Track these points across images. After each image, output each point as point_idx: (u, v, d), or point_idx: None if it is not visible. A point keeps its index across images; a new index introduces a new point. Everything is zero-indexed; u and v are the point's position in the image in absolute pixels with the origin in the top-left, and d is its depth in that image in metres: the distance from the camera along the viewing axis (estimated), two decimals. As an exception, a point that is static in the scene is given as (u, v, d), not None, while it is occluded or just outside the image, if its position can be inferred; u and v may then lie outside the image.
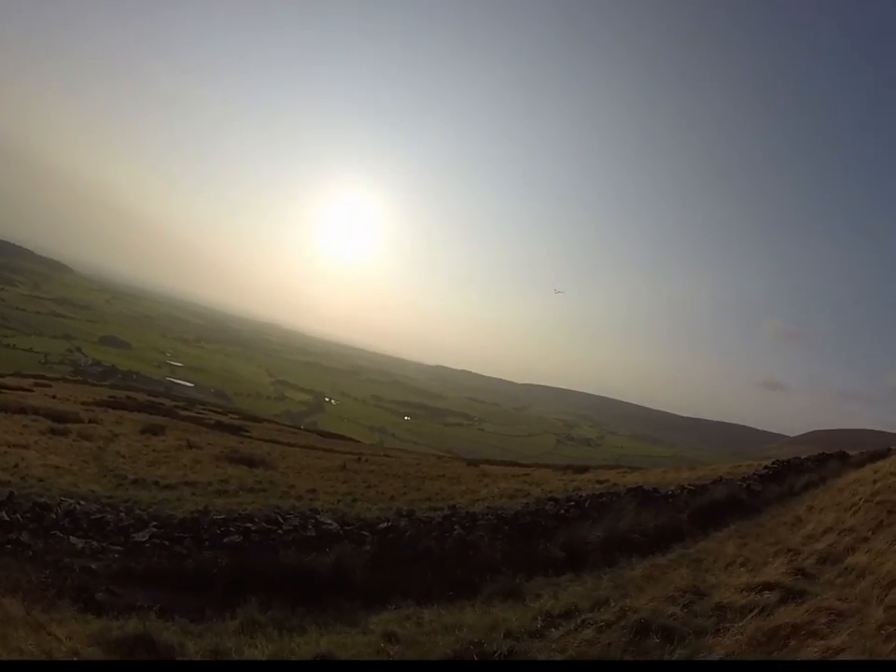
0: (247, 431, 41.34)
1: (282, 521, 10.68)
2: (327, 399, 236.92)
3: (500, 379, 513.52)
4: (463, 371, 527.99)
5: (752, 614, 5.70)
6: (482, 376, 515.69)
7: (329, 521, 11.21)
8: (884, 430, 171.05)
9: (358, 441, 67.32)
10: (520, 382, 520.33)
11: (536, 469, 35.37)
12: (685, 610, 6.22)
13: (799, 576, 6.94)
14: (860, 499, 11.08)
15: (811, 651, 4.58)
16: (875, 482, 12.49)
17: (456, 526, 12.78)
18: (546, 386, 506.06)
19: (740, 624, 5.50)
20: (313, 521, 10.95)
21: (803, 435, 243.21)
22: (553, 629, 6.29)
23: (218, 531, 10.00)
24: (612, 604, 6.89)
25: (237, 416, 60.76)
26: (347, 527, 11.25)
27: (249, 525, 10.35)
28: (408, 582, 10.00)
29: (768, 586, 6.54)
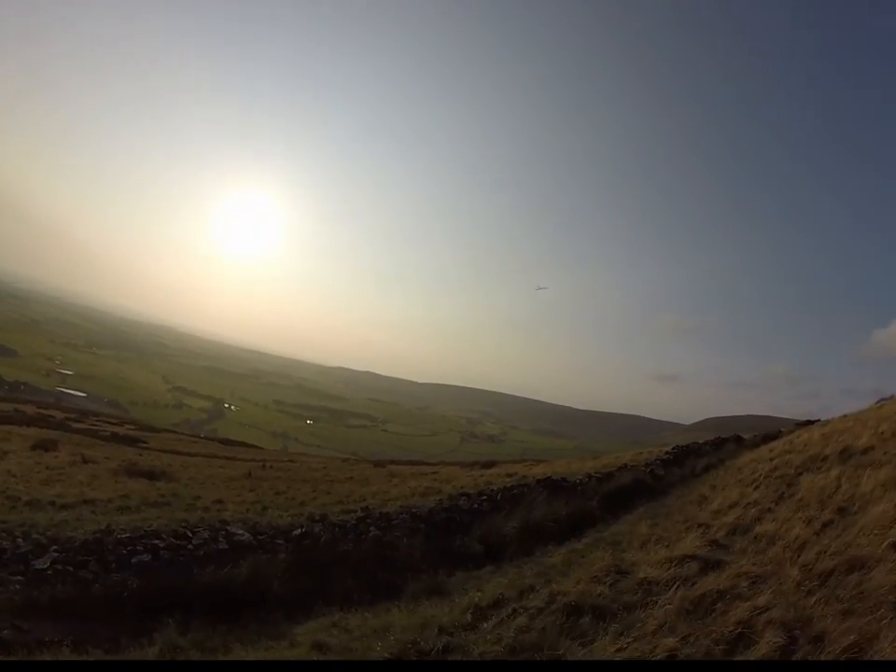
0: (145, 442, 39.02)
1: (191, 535, 9.88)
2: (226, 406, 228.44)
3: (402, 379, 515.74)
4: (365, 371, 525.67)
5: (676, 585, 5.90)
6: (384, 377, 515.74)
7: (240, 531, 10.52)
8: (772, 415, 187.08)
9: (261, 448, 65.16)
10: (422, 381, 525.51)
11: (443, 467, 35.63)
12: (612, 589, 6.35)
13: (714, 547, 7.32)
14: (759, 475, 11.98)
15: (740, 613, 4.76)
16: (771, 459, 13.57)
17: (372, 528, 12.48)
18: (448, 385, 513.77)
19: (667, 596, 5.66)
20: (223, 533, 10.22)
21: (697, 423, 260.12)
22: (484, 621, 6.21)
23: (125, 551, 9.08)
24: (539, 590, 6.92)
25: (134, 427, 57.08)
26: (260, 537, 10.60)
27: (157, 542, 9.46)
28: (328, 589, 9.62)
29: (686, 559, 6.81)
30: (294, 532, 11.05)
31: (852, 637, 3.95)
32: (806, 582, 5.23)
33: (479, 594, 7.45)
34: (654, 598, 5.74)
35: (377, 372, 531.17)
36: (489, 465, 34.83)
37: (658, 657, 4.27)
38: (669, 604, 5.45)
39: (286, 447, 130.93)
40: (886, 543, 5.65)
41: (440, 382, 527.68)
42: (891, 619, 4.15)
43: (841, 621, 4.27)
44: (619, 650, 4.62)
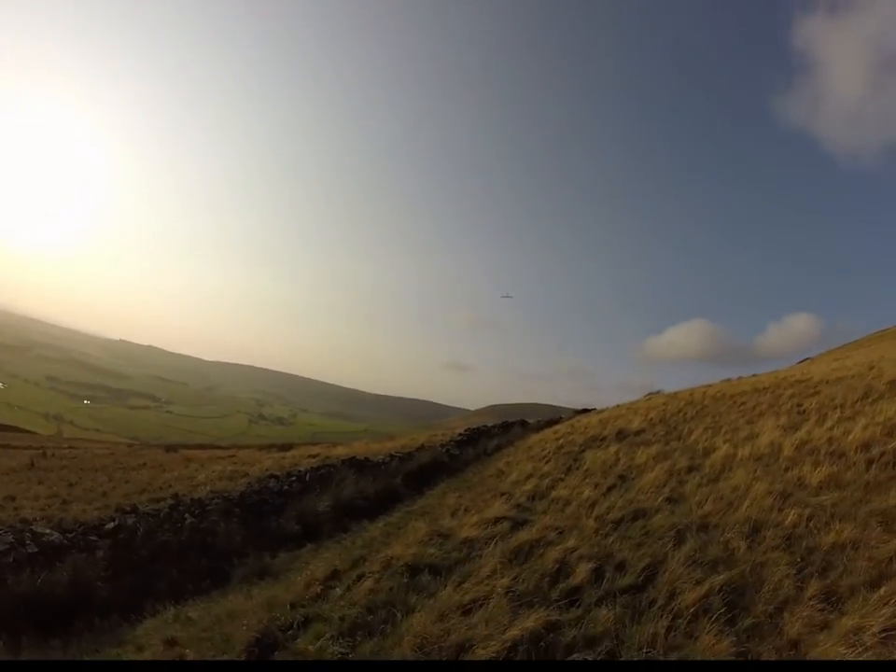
0: None
1: None
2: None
3: (188, 356, 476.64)
4: (149, 346, 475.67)
5: (495, 541, 6.91)
6: (169, 352, 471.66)
7: (47, 531, 9.44)
8: (552, 404, 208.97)
9: (34, 433, 56.13)
10: (209, 359, 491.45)
11: (239, 451, 34.33)
12: (440, 549, 7.16)
13: (519, 510, 8.53)
14: (549, 452, 13.93)
15: (555, 554, 5.94)
16: (557, 439, 15.80)
17: (187, 515, 12.09)
18: (236, 364, 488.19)
19: (489, 550, 6.63)
20: (29, 534, 9.11)
21: (482, 409, 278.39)
22: (331, 590, 6.67)
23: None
24: (371, 559, 7.54)
25: None
26: (70, 535, 9.69)
27: (-47, 553, 8.26)
28: (155, 583, 9.34)
29: (498, 520, 7.90)
30: (107, 526, 10.33)
31: (647, 560, 5.36)
32: (603, 529, 6.67)
33: (313, 569, 7.79)
34: (479, 553, 6.68)
35: (162, 348, 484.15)
36: (286, 447, 34.33)
37: (497, 595, 5.16)
38: (493, 556, 6.38)
39: (61, 431, 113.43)
40: (661, 498, 7.42)
41: (228, 360, 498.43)
42: (674, 547, 5.65)
43: (636, 551, 5.70)
44: (462, 594, 5.37)
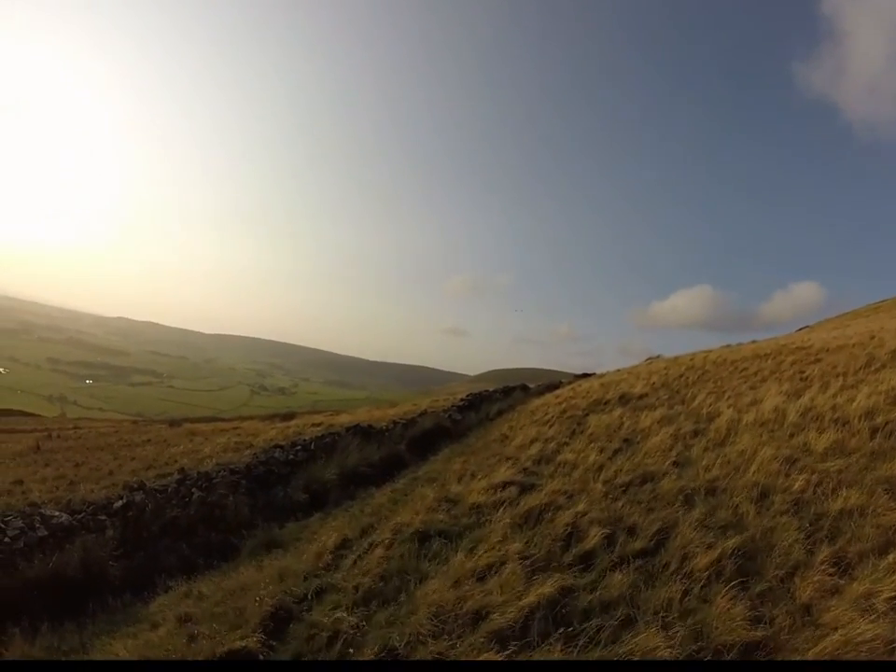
0: None
1: (3, 526, 8.71)
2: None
3: (187, 330, 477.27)
4: (147, 322, 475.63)
5: (504, 506, 6.94)
6: (167, 327, 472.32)
7: (56, 513, 9.45)
8: (552, 369, 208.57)
9: (39, 416, 56.43)
10: (208, 332, 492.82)
11: (242, 422, 34.57)
12: (449, 515, 7.21)
13: (526, 474, 8.56)
14: (552, 417, 13.93)
15: (565, 518, 6.00)
16: (559, 404, 15.84)
17: (194, 489, 12.16)
18: (235, 336, 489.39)
19: (498, 515, 6.67)
20: (38, 517, 9.10)
21: (482, 374, 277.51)
22: (342, 560, 6.72)
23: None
24: (380, 526, 7.62)
25: None
26: (78, 515, 9.71)
27: (-37, 543, 8.22)
28: (165, 559, 9.39)
29: (505, 485, 7.92)
30: (115, 505, 10.37)
31: (658, 525, 5.41)
32: (611, 493, 6.73)
33: (324, 538, 7.84)
34: (488, 518, 6.70)
35: (160, 322, 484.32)
36: (289, 417, 34.64)
37: (510, 561, 5.22)
38: (503, 520, 6.42)
39: (64, 413, 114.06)
40: (668, 462, 7.48)
41: (227, 333, 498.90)
42: (684, 511, 5.72)
43: (646, 515, 5.75)
44: (475, 560, 5.43)
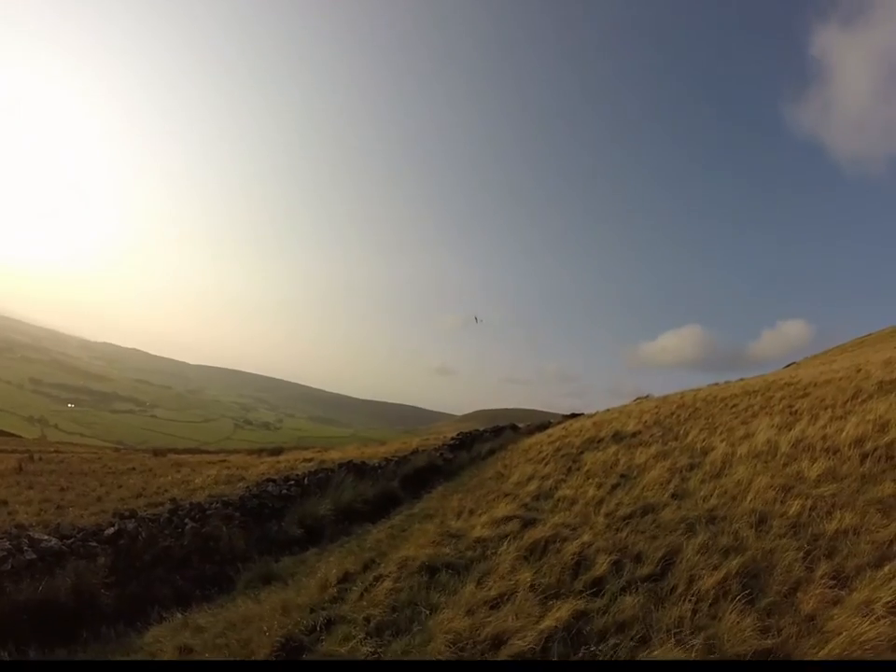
0: None
1: None
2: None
3: (173, 359, 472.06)
4: (132, 349, 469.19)
5: (508, 539, 7.07)
6: (153, 355, 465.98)
7: (45, 537, 9.39)
8: (538, 409, 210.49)
9: (19, 437, 55.06)
10: (194, 363, 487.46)
11: (229, 455, 34.19)
12: (454, 549, 7.29)
13: (526, 509, 8.67)
14: (547, 455, 14.10)
15: (572, 548, 6.17)
16: (552, 442, 16.02)
17: (187, 520, 12.11)
18: (221, 368, 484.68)
19: (503, 548, 6.79)
20: (26, 540, 9.03)
21: (469, 413, 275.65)
22: (348, 592, 6.74)
23: None
24: (382, 561, 7.68)
25: None
26: (69, 541, 9.63)
27: (-52, 564, 8.14)
28: (159, 589, 9.30)
29: (507, 519, 8.05)
30: (106, 532, 10.31)
31: (663, 551, 5.64)
32: (614, 524, 6.94)
33: (325, 572, 7.88)
34: (493, 551, 6.82)
35: (146, 350, 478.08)
36: (277, 451, 34.43)
37: (522, 589, 5.36)
38: (508, 553, 6.53)
39: (45, 435, 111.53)
40: (667, 494, 7.76)
41: (213, 364, 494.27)
42: (687, 538, 5.95)
43: (651, 543, 5.97)
44: (486, 590, 5.55)
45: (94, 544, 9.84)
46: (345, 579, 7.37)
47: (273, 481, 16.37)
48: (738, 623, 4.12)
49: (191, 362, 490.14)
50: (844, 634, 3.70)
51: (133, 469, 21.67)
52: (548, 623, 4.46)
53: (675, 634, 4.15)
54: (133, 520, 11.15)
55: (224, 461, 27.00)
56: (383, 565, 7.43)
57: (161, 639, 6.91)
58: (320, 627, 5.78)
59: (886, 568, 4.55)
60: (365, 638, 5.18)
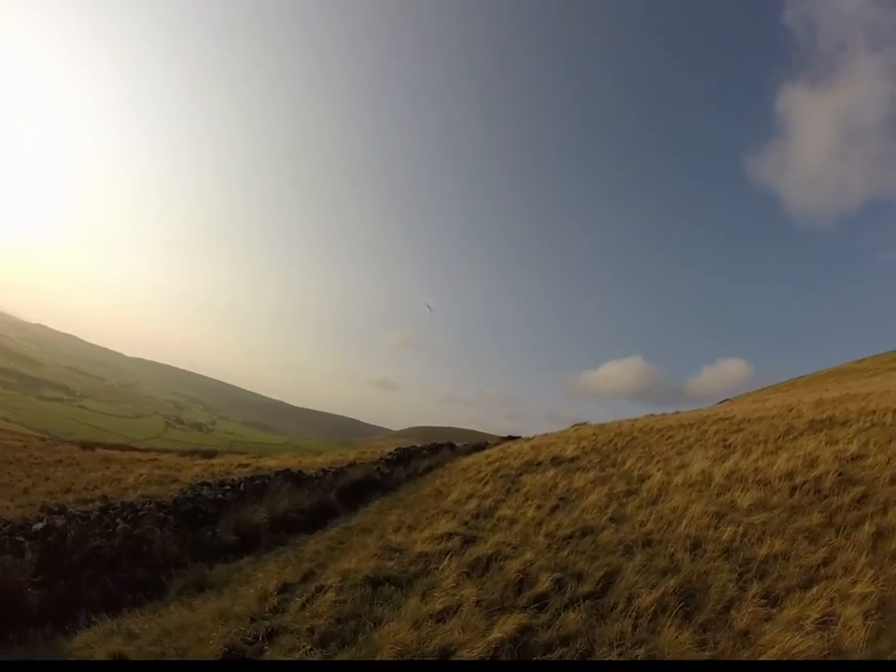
0: None
1: None
2: None
3: (108, 349, 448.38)
4: (67, 334, 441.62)
5: (450, 555, 7.20)
6: (87, 343, 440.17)
7: None
8: (475, 429, 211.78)
9: None
10: (130, 355, 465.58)
11: (160, 455, 33.04)
12: (397, 563, 7.36)
13: (467, 527, 8.81)
14: (486, 475, 14.27)
15: (515, 566, 6.39)
16: (491, 463, 16.23)
17: (118, 520, 11.75)
18: (158, 363, 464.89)
19: (446, 563, 6.92)
20: None
21: (405, 429, 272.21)
22: (288, 603, 6.71)
23: None
24: (322, 573, 7.68)
25: None
26: (-8, 534, 9.21)
27: None
28: (87, 591, 8.99)
29: (448, 536, 8.15)
30: (34, 527, 9.91)
31: (603, 570, 5.96)
32: (554, 544, 7.23)
33: (264, 581, 7.81)
34: (436, 566, 6.95)
35: (80, 337, 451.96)
36: (210, 454, 33.54)
37: (467, 604, 5.51)
38: (450, 568, 6.67)
39: None
40: (605, 517, 8.11)
41: (150, 358, 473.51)
42: (625, 559, 6.31)
43: (591, 563, 6.29)
44: (432, 604, 5.66)
45: (21, 539, 9.48)
46: (285, 589, 7.31)
47: (209, 485, 15.98)
48: (677, 637, 4.47)
49: (127, 354, 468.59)
50: (777, 646, 4.09)
51: (61, 461, 20.78)
52: (495, 635, 4.67)
53: (617, 647, 4.45)
54: (63, 516, 10.73)
55: (155, 460, 26.14)
56: (324, 576, 7.40)
57: (93, 645, 6.70)
58: (262, 637, 5.78)
59: (814, 589, 5.02)
60: (311, 649, 5.22)
